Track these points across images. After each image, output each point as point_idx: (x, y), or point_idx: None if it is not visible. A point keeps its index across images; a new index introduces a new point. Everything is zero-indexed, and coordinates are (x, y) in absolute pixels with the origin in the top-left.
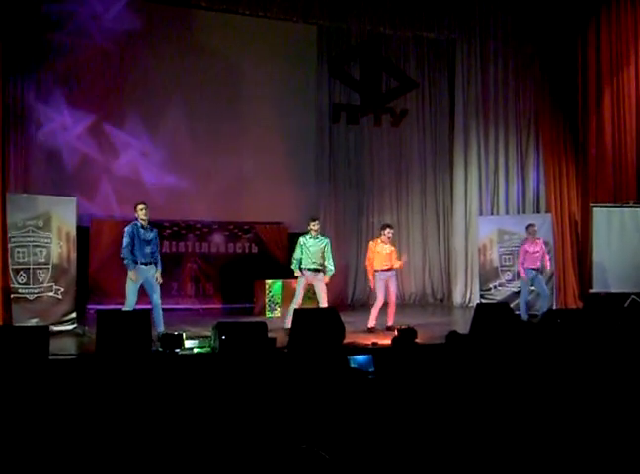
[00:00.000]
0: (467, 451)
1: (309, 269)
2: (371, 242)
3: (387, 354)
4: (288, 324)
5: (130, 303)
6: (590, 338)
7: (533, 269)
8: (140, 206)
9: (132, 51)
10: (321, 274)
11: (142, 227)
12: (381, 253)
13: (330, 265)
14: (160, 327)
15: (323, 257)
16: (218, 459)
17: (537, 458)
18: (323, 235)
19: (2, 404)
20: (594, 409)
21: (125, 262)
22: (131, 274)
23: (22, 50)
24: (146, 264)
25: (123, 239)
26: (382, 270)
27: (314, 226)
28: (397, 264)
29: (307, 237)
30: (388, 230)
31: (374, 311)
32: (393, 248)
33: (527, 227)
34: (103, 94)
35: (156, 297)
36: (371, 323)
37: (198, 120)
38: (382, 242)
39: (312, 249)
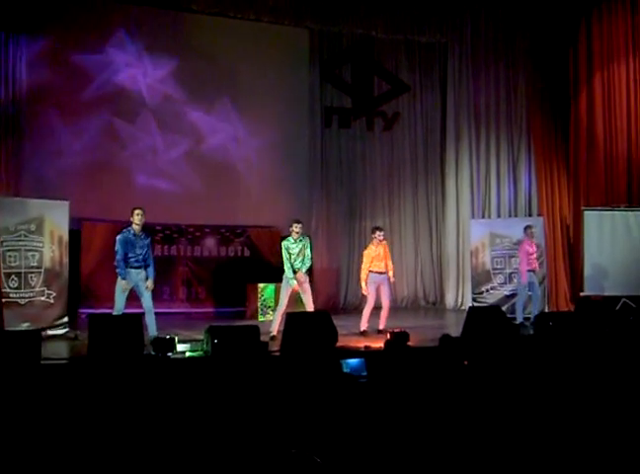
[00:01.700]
0: (460, 454)
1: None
2: (365, 251)
3: (380, 357)
4: (274, 331)
5: (118, 308)
6: (581, 340)
7: (530, 271)
8: (137, 211)
9: (127, 54)
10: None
11: (134, 234)
12: (374, 255)
13: (307, 260)
14: (152, 331)
15: (304, 256)
16: (211, 464)
17: (529, 460)
18: (303, 235)
19: None
20: (586, 411)
21: (118, 271)
22: (123, 282)
23: None
24: (137, 268)
25: (116, 248)
26: (376, 272)
27: (296, 228)
28: (390, 273)
29: (290, 241)
30: (378, 233)
31: (365, 314)
32: (385, 247)
33: (525, 228)
34: (97, 97)
35: (147, 302)
36: (363, 326)
37: (189, 124)
38: (374, 245)
39: (294, 251)
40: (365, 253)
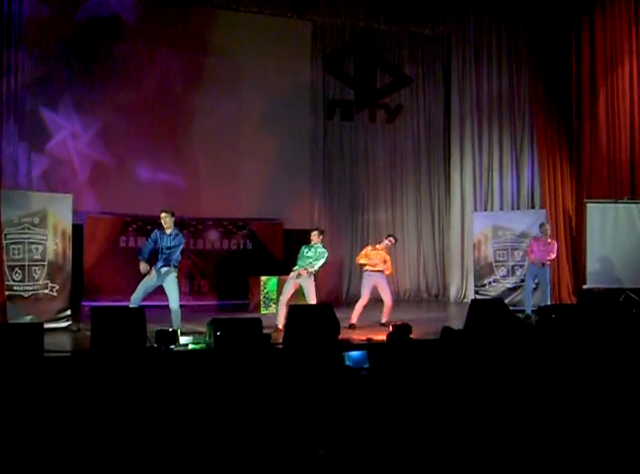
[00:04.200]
0: (461, 447)
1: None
2: (368, 247)
3: (382, 349)
4: (280, 324)
5: (135, 298)
6: (584, 333)
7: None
8: (162, 214)
9: (129, 48)
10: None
11: (165, 234)
12: (373, 255)
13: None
14: (175, 325)
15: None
16: (214, 456)
17: (532, 453)
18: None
19: None
20: (588, 404)
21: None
22: (142, 266)
23: None
24: (163, 267)
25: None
26: (371, 271)
27: (315, 236)
28: (387, 271)
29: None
30: (392, 239)
31: (357, 308)
32: (387, 256)
33: (541, 226)
34: (99, 91)
35: (173, 302)
36: (353, 319)
37: (192, 117)
38: (378, 248)
39: (308, 255)
40: (364, 251)
